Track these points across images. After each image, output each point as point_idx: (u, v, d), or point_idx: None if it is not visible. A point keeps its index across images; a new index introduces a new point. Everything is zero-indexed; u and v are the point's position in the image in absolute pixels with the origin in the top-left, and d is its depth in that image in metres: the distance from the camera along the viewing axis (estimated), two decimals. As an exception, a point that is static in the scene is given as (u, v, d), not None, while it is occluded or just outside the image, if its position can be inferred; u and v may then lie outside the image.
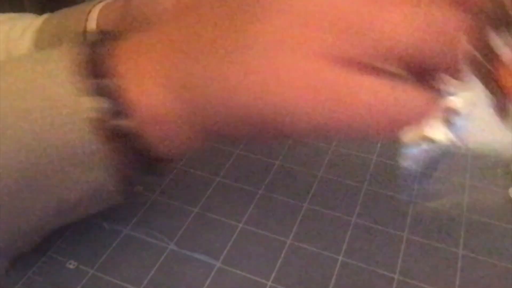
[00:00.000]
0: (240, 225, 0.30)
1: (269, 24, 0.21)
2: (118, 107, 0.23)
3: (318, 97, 0.20)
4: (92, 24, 0.37)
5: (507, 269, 0.28)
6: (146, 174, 0.25)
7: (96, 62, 0.24)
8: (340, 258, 0.28)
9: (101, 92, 0.23)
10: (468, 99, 0.27)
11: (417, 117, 0.20)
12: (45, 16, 0.40)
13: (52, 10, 0.40)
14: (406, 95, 0.20)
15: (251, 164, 0.34)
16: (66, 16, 0.38)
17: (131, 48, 0.24)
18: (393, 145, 0.36)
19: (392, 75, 0.20)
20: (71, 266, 0.28)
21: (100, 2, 0.38)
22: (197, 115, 0.23)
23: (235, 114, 0.22)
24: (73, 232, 0.29)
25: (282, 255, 0.28)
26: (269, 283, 0.27)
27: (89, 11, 0.37)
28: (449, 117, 0.26)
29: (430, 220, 0.30)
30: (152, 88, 0.23)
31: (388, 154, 0.35)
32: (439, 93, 0.21)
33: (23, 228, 0.25)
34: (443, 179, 0.33)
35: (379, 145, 0.36)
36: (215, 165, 0.34)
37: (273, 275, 0.27)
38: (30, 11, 0.42)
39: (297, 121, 0.21)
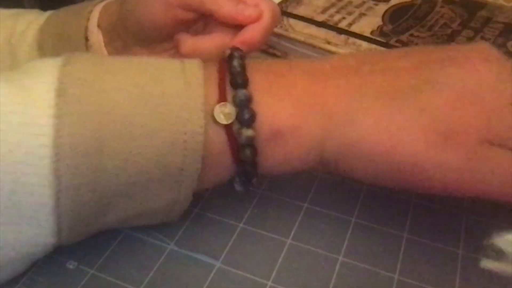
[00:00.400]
0: (240, 225, 0.30)
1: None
2: (251, 116, 0.24)
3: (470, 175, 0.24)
4: (93, 24, 0.37)
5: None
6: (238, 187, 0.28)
7: (233, 74, 0.25)
8: (340, 258, 0.28)
9: (236, 101, 0.24)
10: None
11: None
12: (48, 13, 0.40)
13: (51, 9, 0.40)
14: None
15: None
16: (68, 15, 0.38)
17: (265, 68, 0.26)
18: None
19: None
20: (71, 266, 0.28)
21: (101, 1, 0.38)
22: (321, 143, 0.26)
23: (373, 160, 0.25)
24: (73, 232, 0.29)
25: (282, 255, 0.28)
26: (269, 283, 0.27)
27: (91, 11, 0.37)
28: None
29: (430, 220, 0.30)
30: (284, 106, 0.25)
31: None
32: None
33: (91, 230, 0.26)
34: (443, 179, 0.33)
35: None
36: (215, 165, 0.34)
37: (273, 275, 0.27)
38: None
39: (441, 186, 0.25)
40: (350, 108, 0.25)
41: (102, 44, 0.37)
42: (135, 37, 0.36)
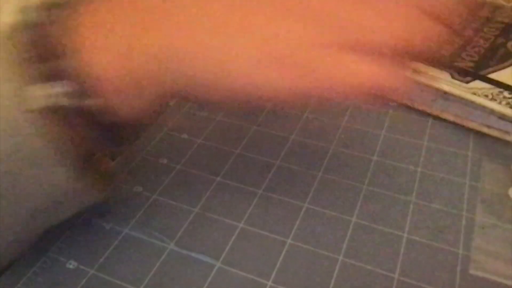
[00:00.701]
0: (240, 225, 0.30)
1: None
2: (79, 87, 0.21)
3: (292, 72, 0.22)
4: None
5: (507, 269, 0.28)
6: (113, 147, 0.24)
7: (46, 43, 0.21)
8: (340, 258, 0.28)
9: (57, 75, 0.21)
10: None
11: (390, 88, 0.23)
12: None
13: None
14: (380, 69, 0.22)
15: (251, 164, 0.34)
16: None
17: (84, 22, 0.23)
18: (394, 145, 0.36)
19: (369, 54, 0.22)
20: (71, 266, 0.28)
21: None
22: (159, 80, 0.23)
23: (201, 81, 0.23)
24: (73, 232, 0.29)
25: (282, 255, 0.28)
26: (269, 283, 0.27)
27: None
28: None
29: (430, 220, 0.30)
30: (111, 60, 0.22)
31: (388, 154, 0.35)
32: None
33: (4, 239, 0.24)
34: (443, 179, 0.33)
35: (379, 145, 0.36)
36: (215, 165, 0.34)
37: (273, 275, 0.27)
38: None
39: (268, 93, 0.22)
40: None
41: None
42: None
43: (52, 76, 0.21)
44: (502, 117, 0.35)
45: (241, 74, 0.22)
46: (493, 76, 0.38)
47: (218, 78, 0.22)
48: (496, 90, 0.37)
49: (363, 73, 0.22)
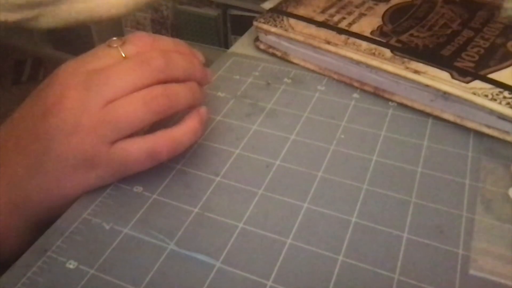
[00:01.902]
0: (240, 225, 0.30)
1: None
2: None
3: None
4: None
5: (507, 269, 0.28)
6: None
7: None
8: (340, 258, 0.28)
9: None
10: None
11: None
12: None
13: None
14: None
15: (251, 164, 0.35)
16: None
17: None
18: (394, 145, 0.36)
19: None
20: (71, 266, 0.28)
21: None
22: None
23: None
24: (73, 232, 0.29)
25: (282, 255, 0.28)
26: (269, 283, 0.27)
27: None
28: None
29: (430, 220, 0.30)
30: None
31: (388, 154, 0.35)
32: None
33: None
34: (443, 179, 0.33)
35: (379, 145, 0.36)
36: (215, 165, 0.34)
37: (273, 275, 0.27)
38: None
39: None
40: None
41: None
42: None
43: None
44: (502, 117, 0.35)
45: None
46: (493, 76, 0.38)
47: None
48: (496, 90, 0.37)
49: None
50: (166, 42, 0.33)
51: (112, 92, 0.29)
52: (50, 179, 0.30)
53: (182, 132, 0.31)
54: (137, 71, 0.30)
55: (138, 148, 0.30)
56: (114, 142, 0.30)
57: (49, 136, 0.29)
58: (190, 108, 0.32)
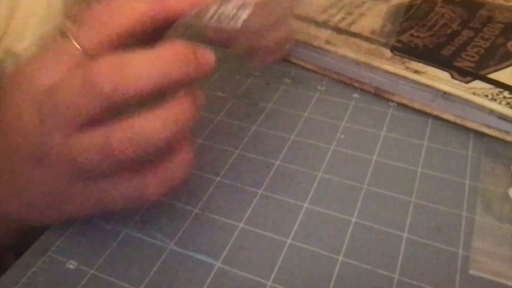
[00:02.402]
0: (240, 225, 0.30)
1: None
2: None
3: None
4: None
5: (507, 269, 0.28)
6: None
7: None
8: (340, 258, 0.28)
9: None
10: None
11: None
12: None
13: None
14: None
15: (251, 164, 0.34)
16: None
17: None
18: (394, 145, 0.36)
19: None
20: (71, 266, 0.28)
21: None
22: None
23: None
24: (73, 232, 0.29)
25: (282, 255, 0.28)
26: (269, 283, 0.27)
27: None
28: None
29: (430, 220, 0.30)
30: None
31: (388, 154, 0.35)
32: None
33: None
34: (443, 179, 0.33)
35: (379, 145, 0.36)
36: (215, 165, 0.34)
37: (273, 275, 0.27)
38: None
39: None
40: None
41: None
42: None
43: None
44: (502, 117, 0.35)
45: None
46: (493, 76, 0.38)
47: None
48: (496, 90, 0.37)
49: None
50: (135, 11, 0.24)
51: (66, 123, 0.23)
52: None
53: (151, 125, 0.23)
54: (82, 97, 0.22)
55: (89, 141, 0.23)
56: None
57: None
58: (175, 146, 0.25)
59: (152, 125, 0.23)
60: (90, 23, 0.24)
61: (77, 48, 0.23)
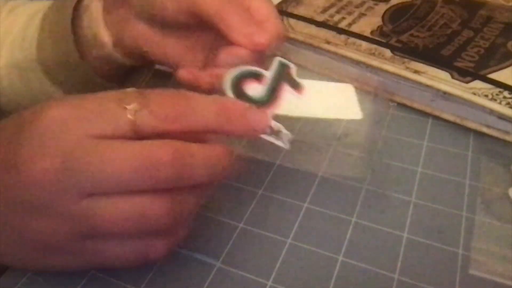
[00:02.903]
0: (240, 225, 0.30)
1: None
2: None
3: None
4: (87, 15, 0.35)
5: (507, 269, 0.28)
6: None
7: None
8: (340, 258, 0.28)
9: None
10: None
11: None
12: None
13: None
14: None
15: (251, 164, 0.34)
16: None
17: None
18: (394, 145, 0.36)
19: None
20: (71, 266, 0.28)
21: None
22: None
23: None
24: (73, 232, 0.29)
25: (282, 255, 0.28)
26: (269, 283, 0.27)
27: None
28: None
29: (430, 220, 0.30)
30: None
31: (388, 154, 0.35)
32: None
33: None
34: (443, 179, 0.33)
35: (379, 145, 0.36)
36: (215, 165, 0.34)
37: (273, 275, 0.27)
38: None
39: None
40: None
41: (100, 11, 0.35)
42: (138, 13, 0.33)
43: None
44: (502, 117, 0.35)
45: None
46: (493, 76, 0.38)
47: None
48: (496, 90, 0.37)
49: None
50: (204, 110, 0.24)
51: (91, 184, 0.22)
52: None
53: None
54: (137, 171, 0.22)
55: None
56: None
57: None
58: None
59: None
60: (155, 109, 0.23)
61: (130, 121, 0.23)
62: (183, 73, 0.33)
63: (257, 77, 0.29)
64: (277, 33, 0.31)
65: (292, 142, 0.29)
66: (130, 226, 0.23)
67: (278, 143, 0.27)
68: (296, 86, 0.30)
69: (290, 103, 0.29)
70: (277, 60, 0.30)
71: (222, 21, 0.30)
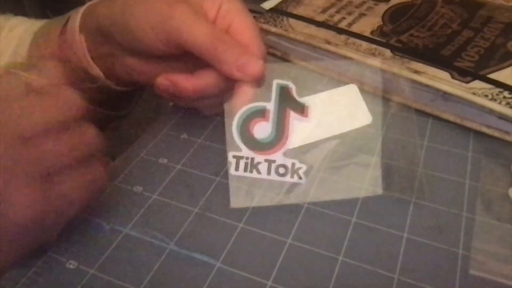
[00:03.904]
0: (240, 225, 0.30)
1: None
2: None
3: None
4: (73, 24, 0.35)
5: (507, 269, 0.28)
6: None
7: None
8: (340, 258, 0.28)
9: None
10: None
11: None
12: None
13: (52, 10, 0.40)
14: None
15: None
16: (54, 19, 0.37)
17: None
18: (394, 145, 0.36)
19: None
20: (71, 266, 0.28)
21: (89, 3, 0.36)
22: None
23: None
24: (73, 232, 0.29)
25: (282, 255, 0.28)
26: (269, 283, 0.27)
27: (76, 11, 0.36)
28: None
29: (430, 220, 0.30)
30: None
31: (388, 154, 0.35)
32: None
33: None
34: (443, 179, 0.33)
35: (379, 145, 0.36)
36: (215, 165, 0.34)
37: (273, 275, 0.27)
38: (30, 11, 0.42)
39: None
40: None
41: (85, 47, 0.35)
42: (123, 48, 0.34)
43: None
44: (502, 117, 0.35)
45: None
46: (493, 76, 0.38)
47: None
48: (496, 90, 0.37)
49: None
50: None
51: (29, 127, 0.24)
52: None
53: None
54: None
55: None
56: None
57: None
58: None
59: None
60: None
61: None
62: (162, 81, 0.33)
63: (261, 113, 0.29)
64: (263, 56, 0.32)
65: (307, 171, 0.29)
66: (76, 155, 0.25)
67: (294, 180, 0.29)
68: (300, 108, 0.30)
69: (300, 132, 0.29)
70: (275, 83, 0.29)
71: (212, 57, 0.31)
